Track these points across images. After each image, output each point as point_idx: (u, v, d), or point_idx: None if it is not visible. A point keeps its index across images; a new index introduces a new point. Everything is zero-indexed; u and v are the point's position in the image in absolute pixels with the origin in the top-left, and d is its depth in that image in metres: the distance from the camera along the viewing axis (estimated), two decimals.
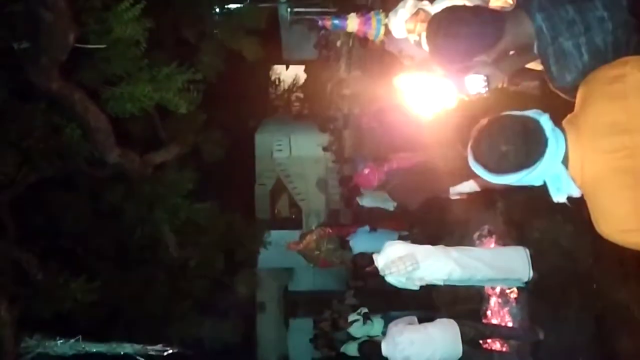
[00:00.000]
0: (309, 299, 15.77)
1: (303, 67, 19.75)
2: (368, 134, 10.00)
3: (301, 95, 21.71)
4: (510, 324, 5.23)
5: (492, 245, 5.63)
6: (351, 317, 7.37)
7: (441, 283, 4.77)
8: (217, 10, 9.70)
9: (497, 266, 4.61)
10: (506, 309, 5.35)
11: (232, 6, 9.78)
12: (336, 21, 4.79)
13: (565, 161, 1.62)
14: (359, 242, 7.62)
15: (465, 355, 4.86)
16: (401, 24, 4.08)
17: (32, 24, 5.83)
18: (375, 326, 7.00)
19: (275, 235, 12.58)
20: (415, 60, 4.76)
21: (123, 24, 6.09)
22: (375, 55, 9.46)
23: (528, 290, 4.96)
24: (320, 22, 5.19)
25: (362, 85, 9.96)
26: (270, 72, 21.60)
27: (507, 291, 5.33)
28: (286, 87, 22.02)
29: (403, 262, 4.59)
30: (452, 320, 4.99)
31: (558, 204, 1.67)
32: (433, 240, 5.34)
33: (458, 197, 5.82)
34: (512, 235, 5.29)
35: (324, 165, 16.53)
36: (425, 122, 4.15)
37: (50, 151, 7.12)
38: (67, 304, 6.91)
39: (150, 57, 6.73)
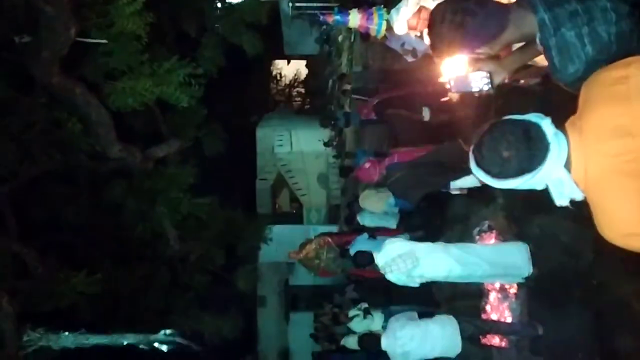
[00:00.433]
0: (310, 293, 15.80)
1: (304, 62, 19.74)
2: (368, 128, 10.00)
3: (302, 90, 21.72)
4: (509, 319, 5.23)
5: (493, 240, 5.63)
6: (351, 312, 7.38)
7: (441, 280, 4.78)
8: (218, 4, 9.67)
9: (497, 263, 4.62)
10: (506, 304, 5.36)
11: (233, 0, 9.75)
12: (338, 16, 4.78)
13: (567, 165, 1.61)
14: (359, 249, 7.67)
15: (464, 351, 4.88)
16: (403, 21, 4.07)
17: (33, 18, 5.83)
18: (375, 321, 7.01)
19: (276, 230, 12.61)
20: (417, 53, 4.77)
21: (124, 18, 6.07)
22: (376, 50, 9.45)
23: (528, 286, 4.96)
24: (322, 17, 5.19)
25: (364, 79, 9.95)
26: (272, 67, 21.60)
27: (507, 286, 5.34)
28: (287, 81, 22.02)
29: (403, 261, 4.59)
30: (451, 317, 5.01)
31: None
32: (433, 236, 5.35)
33: (459, 192, 5.83)
34: (512, 230, 5.29)
35: (324, 160, 16.54)
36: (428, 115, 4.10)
37: (51, 145, 7.13)
38: (67, 298, 6.93)
39: (152, 52, 6.72)
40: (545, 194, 1.71)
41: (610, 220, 1.57)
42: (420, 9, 3.92)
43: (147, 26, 6.33)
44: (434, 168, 5.54)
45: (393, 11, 4.22)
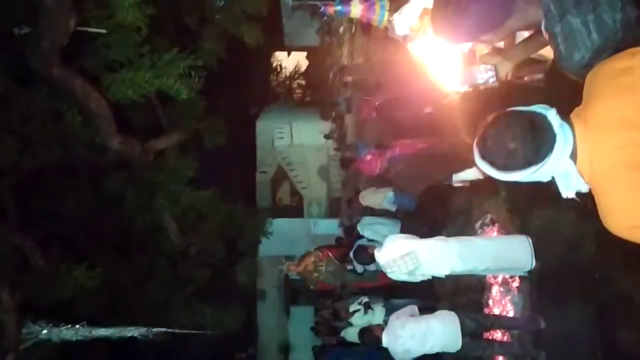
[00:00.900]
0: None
1: (305, 53, 19.66)
2: (369, 122, 9.96)
3: (303, 82, 21.64)
4: (511, 313, 5.22)
5: (495, 233, 5.61)
6: (352, 307, 7.35)
7: (443, 276, 4.75)
8: None
9: (499, 257, 4.59)
10: (508, 297, 5.34)
11: None
12: (339, 7, 4.73)
13: (573, 156, 1.59)
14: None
15: (466, 346, 4.87)
16: (406, 25, 4.03)
17: (33, 9, 5.79)
18: (376, 315, 7.00)
19: (276, 223, 12.59)
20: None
21: (124, 9, 6.05)
22: (378, 41, 9.39)
23: (530, 279, 4.94)
24: (322, 8, 5.14)
25: (365, 72, 9.90)
26: (272, 59, 21.51)
27: (509, 280, 5.32)
28: (288, 74, 21.93)
29: (404, 261, 4.54)
30: (452, 313, 4.98)
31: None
32: (435, 229, 5.31)
33: (461, 184, 5.80)
34: (514, 223, 5.27)
35: (325, 153, 16.50)
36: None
37: (52, 137, 7.10)
38: (68, 291, 6.93)
39: (151, 43, 6.69)
40: (548, 187, 1.68)
41: (616, 212, 1.55)
42: (422, 13, 3.87)
43: (147, 18, 6.30)
44: (436, 160, 5.50)
45: (395, 15, 4.17)
